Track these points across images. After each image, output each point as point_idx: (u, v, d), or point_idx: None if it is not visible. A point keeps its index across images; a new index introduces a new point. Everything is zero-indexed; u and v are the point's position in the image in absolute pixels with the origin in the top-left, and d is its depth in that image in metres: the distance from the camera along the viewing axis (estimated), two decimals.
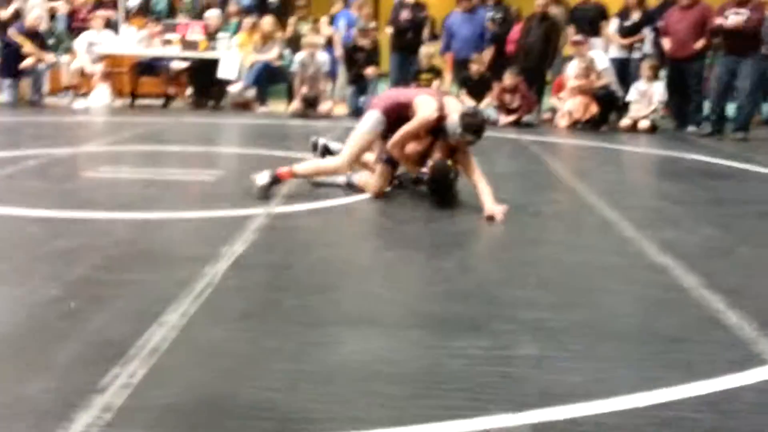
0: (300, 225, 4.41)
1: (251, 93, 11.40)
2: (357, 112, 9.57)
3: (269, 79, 11.45)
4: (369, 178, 5.12)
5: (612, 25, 10.75)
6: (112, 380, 2.26)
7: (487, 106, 10.37)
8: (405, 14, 11.28)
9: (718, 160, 7.29)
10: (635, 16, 10.61)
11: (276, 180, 4.97)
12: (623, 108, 10.20)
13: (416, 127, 4.91)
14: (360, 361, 2.47)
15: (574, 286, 3.37)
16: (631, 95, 9.96)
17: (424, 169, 5.09)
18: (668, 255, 3.79)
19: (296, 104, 10.61)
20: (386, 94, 5.60)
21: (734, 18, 8.57)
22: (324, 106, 10.61)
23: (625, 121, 9.84)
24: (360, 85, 10.87)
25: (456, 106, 5.00)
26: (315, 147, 5.90)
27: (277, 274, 3.42)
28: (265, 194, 4.89)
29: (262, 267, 3.49)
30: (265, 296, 3.11)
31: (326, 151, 5.79)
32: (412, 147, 5.01)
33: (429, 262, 3.75)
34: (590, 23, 10.91)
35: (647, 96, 9.81)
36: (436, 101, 4.97)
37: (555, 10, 11.04)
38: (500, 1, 11.67)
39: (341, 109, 11.01)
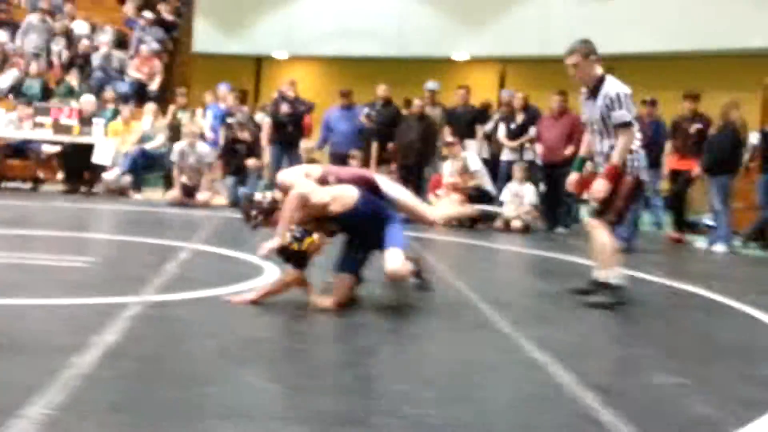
0: (175, 315, 4.27)
1: (126, 180, 11.19)
2: (237, 203, 9.51)
3: (145, 167, 11.31)
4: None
5: (500, 131, 11.06)
6: None
7: None
8: (285, 108, 11.41)
9: (588, 261, 7.52)
10: (519, 118, 10.99)
11: None
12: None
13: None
14: None
15: (455, 382, 3.36)
16: (504, 196, 10.28)
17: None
18: (544, 352, 3.84)
19: (175, 193, 10.46)
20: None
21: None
22: (202, 196, 10.50)
23: (498, 221, 10.11)
24: (240, 176, 10.91)
25: None
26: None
27: (150, 365, 3.27)
28: None
29: (135, 357, 3.34)
30: (136, 388, 2.96)
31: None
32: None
33: (308, 355, 3.68)
34: (467, 125, 11.30)
35: (519, 197, 10.14)
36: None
37: (432, 111, 11.41)
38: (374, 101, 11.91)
39: (220, 200, 10.91)
